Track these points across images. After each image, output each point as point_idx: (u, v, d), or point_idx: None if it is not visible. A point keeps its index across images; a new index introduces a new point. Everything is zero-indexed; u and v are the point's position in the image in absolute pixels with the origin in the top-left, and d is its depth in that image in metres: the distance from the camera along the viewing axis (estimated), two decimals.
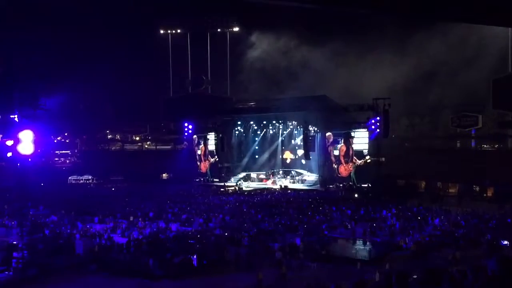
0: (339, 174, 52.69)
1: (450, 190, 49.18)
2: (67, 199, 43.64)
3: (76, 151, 73.62)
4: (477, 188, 47.41)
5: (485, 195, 45.78)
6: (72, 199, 44.05)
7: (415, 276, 5.41)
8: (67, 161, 71.77)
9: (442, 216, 32.74)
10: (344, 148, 52.20)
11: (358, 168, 50.96)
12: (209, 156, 60.85)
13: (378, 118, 47.73)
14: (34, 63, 52.92)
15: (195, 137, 62.14)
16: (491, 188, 45.39)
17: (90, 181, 60.82)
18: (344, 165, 52.12)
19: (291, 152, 61.50)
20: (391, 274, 5.74)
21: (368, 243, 25.86)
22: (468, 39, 51.97)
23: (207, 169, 61.40)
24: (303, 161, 58.50)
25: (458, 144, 59.56)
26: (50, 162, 67.17)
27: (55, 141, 73.75)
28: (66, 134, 76.21)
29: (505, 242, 23.70)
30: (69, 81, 62.68)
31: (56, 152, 71.69)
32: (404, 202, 39.95)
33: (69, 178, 61.13)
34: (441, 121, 61.14)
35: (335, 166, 52.85)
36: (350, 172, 51.67)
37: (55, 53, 62.81)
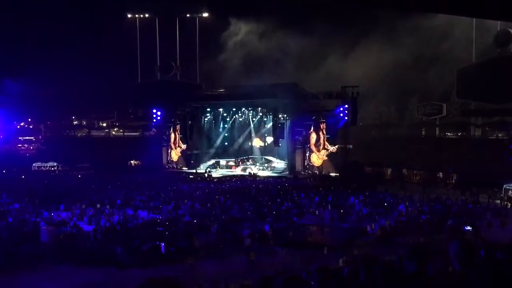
0: (311, 163, 52.26)
1: (415, 177, 50.46)
2: (31, 187, 42.56)
3: (40, 137, 71.71)
4: (441, 175, 48.81)
5: (448, 181, 47.18)
6: (36, 187, 42.99)
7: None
8: (31, 148, 69.87)
9: (407, 203, 33.56)
10: (314, 136, 51.91)
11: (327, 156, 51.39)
12: (180, 143, 60.38)
13: (346, 105, 48.31)
14: None
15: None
16: (454, 175, 46.82)
17: (55, 168, 59.37)
18: (317, 153, 51.80)
19: (261, 139, 61.55)
20: (356, 259, 5.83)
21: (335, 229, 26.30)
22: (441, 30, 53.05)
23: (178, 157, 60.94)
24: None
25: (423, 132, 61.02)
26: (13, 148, 65.28)
27: (18, 126, 71.72)
28: (29, 119, 74.13)
29: (468, 228, 24.50)
30: (33, 65, 60.80)
31: (19, 138, 69.67)
32: (371, 189, 40.73)
33: (33, 165, 59.48)
34: (408, 109, 62.44)
35: (307, 155, 52.63)
36: (324, 161, 51.48)
37: (18, 37, 60.82)
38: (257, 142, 61.68)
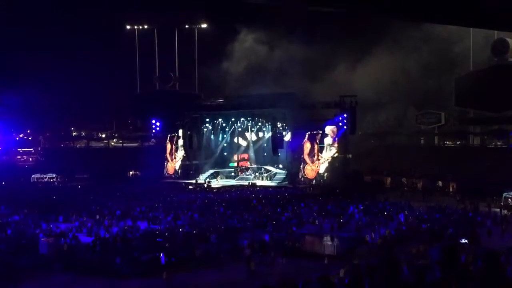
0: (305, 175, 51.35)
1: (415, 186, 50.39)
2: (30, 198, 42.40)
3: (39, 148, 71.60)
4: (440, 184, 48.76)
5: (447, 190, 47.12)
6: (35, 198, 42.83)
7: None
8: (30, 159, 69.74)
9: (407, 211, 33.48)
10: (308, 146, 51.12)
11: (326, 166, 50.97)
12: (176, 154, 60.10)
13: (345, 115, 48.32)
14: None
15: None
16: (454, 183, 46.78)
17: (54, 179, 59.21)
18: (310, 164, 51.00)
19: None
20: (358, 268, 5.83)
21: (335, 238, 26.22)
22: (443, 40, 53.17)
23: (175, 170, 60.57)
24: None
25: (423, 141, 61.06)
26: (12, 160, 65.17)
27: (17, 138, 71.67)
28: (28, 131, 74.09)
29: (464, 241, 24.17)
30: (32, 76, 60.97)
31: (19, 149, 69.59)
32: (371, 198, 40.64)
33: (32, 176, 59.33)
34: (407, 118, 62.50)
35: (301, 167, 51.76)
36: (318, 172, 50.90)
37: (17, 49, 61.02)
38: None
